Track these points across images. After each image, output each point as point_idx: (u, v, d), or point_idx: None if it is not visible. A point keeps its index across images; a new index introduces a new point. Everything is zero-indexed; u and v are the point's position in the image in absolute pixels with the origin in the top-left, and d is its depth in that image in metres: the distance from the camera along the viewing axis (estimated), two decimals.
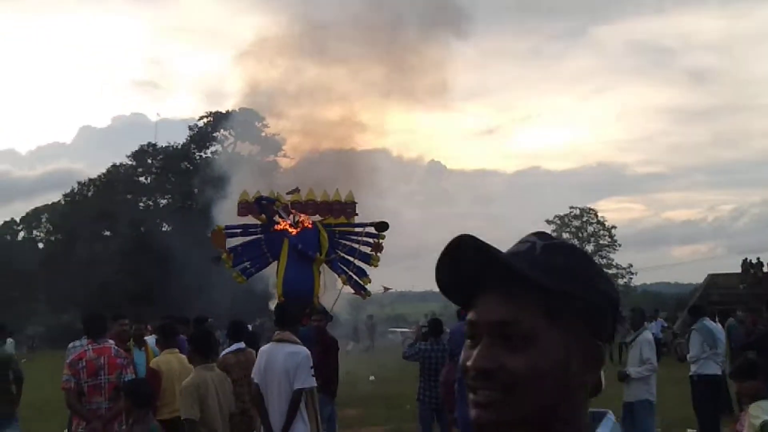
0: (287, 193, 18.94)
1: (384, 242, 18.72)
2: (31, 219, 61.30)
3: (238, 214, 18.97)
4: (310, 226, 18.19)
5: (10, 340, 14.82)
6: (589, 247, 59.34)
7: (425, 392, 10.19)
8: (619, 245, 59.04)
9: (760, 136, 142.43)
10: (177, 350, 8.19)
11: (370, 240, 18.73)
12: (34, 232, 61.74)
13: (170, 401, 7.63)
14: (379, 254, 18.70)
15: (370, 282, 18.84)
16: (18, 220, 62.25)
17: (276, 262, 18.38)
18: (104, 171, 54.33)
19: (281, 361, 7.22)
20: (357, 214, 18.91)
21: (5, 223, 62.46)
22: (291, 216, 18.44)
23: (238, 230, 19.03)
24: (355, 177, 22.75)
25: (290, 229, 18.26)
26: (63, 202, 56.40)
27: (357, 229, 18.89)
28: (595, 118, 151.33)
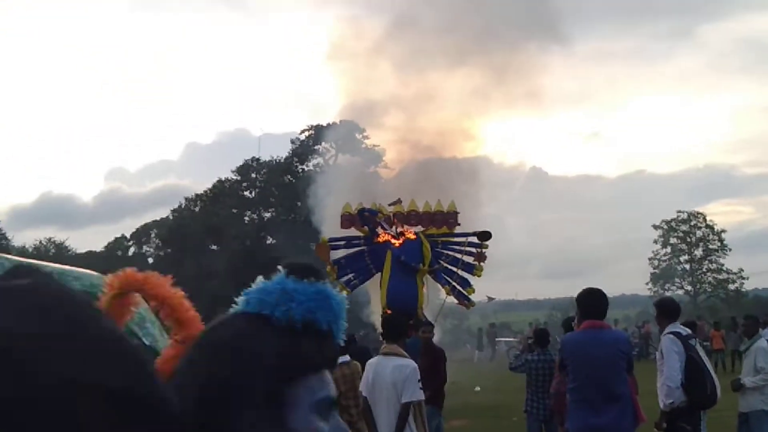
0: (389, 205, 19.01)
1: (487, 251, 18.62)
2: (141, 234, 63.11)
3: (342, 227, 19.14)
4: (413, 237, 18.22)
5: None
6: (698, 252, 57.82)
7: (533, 404, 10.07)
8: (729, 249, 57.25)
9: None
10: None
11: (473, 250, 18.61)
12: (144, 247, 63.54)
13: None
14: (482, 264, 18.56)
15: (474, 292, 18.73)
16: (128, 235, 64.20)
17: (379, 273, 18.46)
18: (210, 186, 55.60)
19: (389, 374, 7.26)
20: (459, 224, 18.84)
21: (116, 239, 64.48)
22: (393, 227, 18.51)
23: (342, 242, 19.21)
24: (456, 185, 22.70)
25: (393, 241, 18.33)
26: (171, 218, 57.96)
27: (460, 239, 18.81)
28: (701, 119, 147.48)
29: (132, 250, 63.47)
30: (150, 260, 62.27)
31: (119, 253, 63.09)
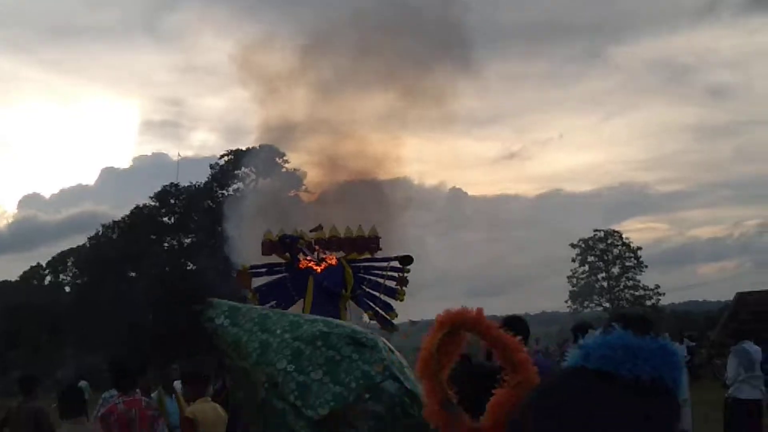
0: (310, 231, 18.93)
1: (409, 273, 18.69)
2: (57, 263, 61.76)
3: (262, 254, 18.96)
4: (334, 263, 18.19)
5: (84, 383, 14.37)
6: (615, 270, 59.05)
7: None
8: (645, 266, 58.70)
9: None
10: (209, 398, 8.08)
11: (395, 274, 18.64)
12: (61, 275, 62.20)
13: None
14: (404, 288, 18.60)
15: (396, 316, 18.71)
16: (44, 264, 62.77)
17: (302, 300, 18.36)
18: (128, 213, 54.81)
19: None
20: (381, 249, 18.84)
21: (32, 267, 62.96)
22: (315, 253, 18.45)
23: (263, 269, 19.02)
24: (376, 207, 22.68)
25: (315, 267, 18.27)
26: (88, 245, 56.88)
27: (381, 264, 18.84)
28: (614, 139, 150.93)
29: (48, 278, 62.08)
30: (67, 289, 61.01)
31: (35, 282, 61.68)
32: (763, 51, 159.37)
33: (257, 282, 18.81)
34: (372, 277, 18.77)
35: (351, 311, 18.61)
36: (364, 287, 18.60)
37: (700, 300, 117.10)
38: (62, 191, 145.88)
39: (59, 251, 62.64)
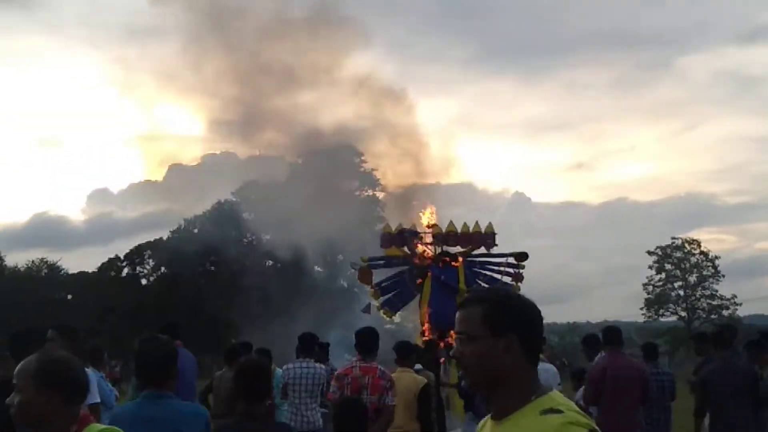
0: (428, 227, 19.20)
1: (524, 270, 18.93)
2: (135, 256, 62.78)
3: (381, 246, 19.34)
4: (457, 265, 18.43)
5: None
6: (692, 278, 58.30)
7: None
8: (723, 276, 57.83)
9: None
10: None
11: (511, 270, 18.87)
12: (137, 268, 63.23)
13: None
14: (519, 284, 18.82)
15: None
16: (122, 256, 63.86)
17: (419, 294, 18.66)
18: (209, 207, 55.65)
19: None
20: (496, 245, 19.07)
21: (110, 260, 64.04)
22: (434, 248, 18.74)
23: (381, 262, 19.41)
24: (444, 209, 22.72)
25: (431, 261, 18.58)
26: (167, 239, 57.94)
27: (498, 260, 19.05)
28: (681, 149, 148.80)
29: (126, 271, 63.16)
30: (143, 281, 62.14)
31: (113, 273, 62.82)
32: None
33: (377, 278, 19.22)
34: (488, 273, 19.02)
35: None
36: (480, 282, 18.83)
37: (766, 314, 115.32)
38: (131, 186, 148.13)
39: (135, 245, 63.76)
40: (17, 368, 3.07)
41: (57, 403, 2.98)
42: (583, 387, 8.86)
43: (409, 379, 8.43)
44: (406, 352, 8.91)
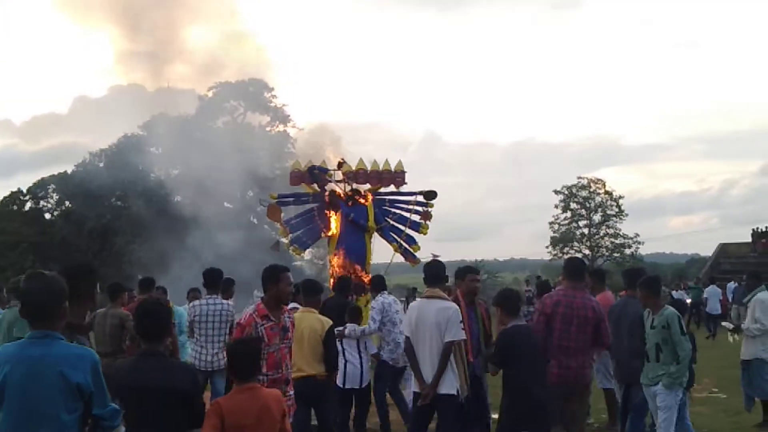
0: (337, 165, 19.12)
1: (433, 208, 19.11)
2: (38, 189, 61.05)
3: (290, 183, 19.27)
4: (367, 203, 18.44)
5: None
6: (597, 217, 59.62)
7: None
8: (626, 215, 59.31)
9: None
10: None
11: (420, 208, 19.03)
12: (41, 202, 61.55)
13: None
14: (428, 223, 19.01)
15: (419, 249, 19.09)
16: (24, 190, 61.98)
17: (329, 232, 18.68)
18: (114, 141, 54.34)
19: (433, 315, 7.77)
20: (406, 183, 19.16)
21: (12, 193, 62.08)
22: (344, 185, 18.72)
23: (291, 199, 19.35)
24: (357, 148, 22.69)
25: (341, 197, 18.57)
26: (72, 172, 56.44)
27: (407, 198, 19.17)
28: (591, 89, 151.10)
29: (29, 205, 61.39)
30: (47, 216, 60.58)
31: (15, 207, 61.02)
32: None
33: (286, 215, 19.16)
34: (397, 211, 19.15)
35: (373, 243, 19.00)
36: (389, 220, 18.96)
37: (667, 252, 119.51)
38: (34, 118, 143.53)
39: (39, 178, 61.95)
40: None
41: None
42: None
43: (313, 320, 8.36)
44: (312, 291, 8.84)
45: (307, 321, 8.26)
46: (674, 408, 7.90)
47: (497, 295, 8.33)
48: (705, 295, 28.62)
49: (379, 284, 12.04)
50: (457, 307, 7.96)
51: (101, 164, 53.98)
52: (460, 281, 8.99)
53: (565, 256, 58.98)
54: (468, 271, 9.13)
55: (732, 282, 30.15)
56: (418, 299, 8.61)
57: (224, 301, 10.37)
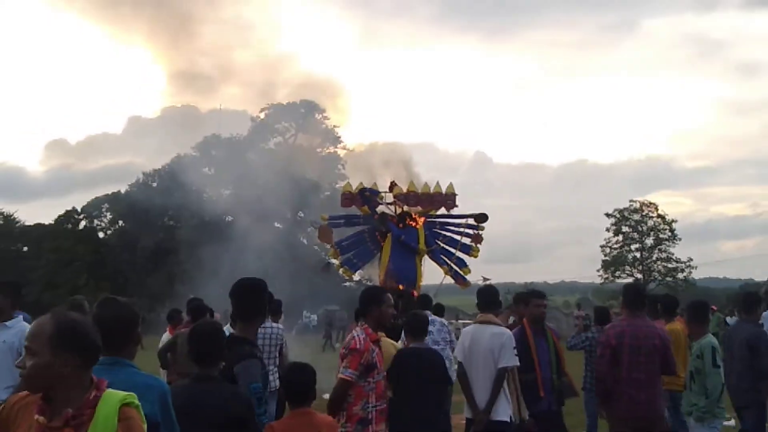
0: (389, 188, 19.12)
1: (484, 231, 19.04)
2: (92, 208, 62.11)
3: (342, 205, 19.31)
4: (418, 226, 18.42)
5: None
6: (649, 241, 58.97)
7: (592, 380, 10.00)
8: (679, 239, 58.63)
9: None
10: None
11: (470, 231, 18.98)
12: (95, 221, 62.58)
13: None
14: (479, 245, 18.95)
15: (470, 272, 19.05)
16: (79, 209, 63.10)
17: (379, 254, 18.69)
18: (168, 161, 55.10)
19: (487, 340, 7.69)
20: (457, 206, 19.14)
21: (67, 212, 63.24)
22: (395, 207, 18.73)
23: (341, 221, 19.40)
24: (409, 169, 22.63)
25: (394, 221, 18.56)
26: (125, 192, 57.34)
27: (458, 221, 19.14)
28: (642, 111, 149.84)
29: (83, 224, 62.50)
30: (101, 234, 61.55)
31: (69, 226, 62.12)
32: None
33: (337, 236, 19.20)
34: (448, 234, 19.12)
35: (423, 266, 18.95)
36: (439, 243, 18.93)
37: (721, 277, 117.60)
38: (89, 138, 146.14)
39: (93, 197, 63.02)
40: (30, 330, 2.98)
41: (74, 366, 2.91)
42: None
43: (387, 345, 7.97)
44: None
45: (385, 346, 8.16)
46: None
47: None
48: (761, 321, 28.11)
49: (423, 304, 11.81)
50: (511, 333, 7.84)
51: (154, 184, 54.77)
52: (523, 306, 8.51)
53: (617, 280, 58.49)
54: (532, 296, 8.58)
55: None
56: (471, 324, 8.46)
57: (274, 324, 10.38)
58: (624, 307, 8.07)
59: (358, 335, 6.31)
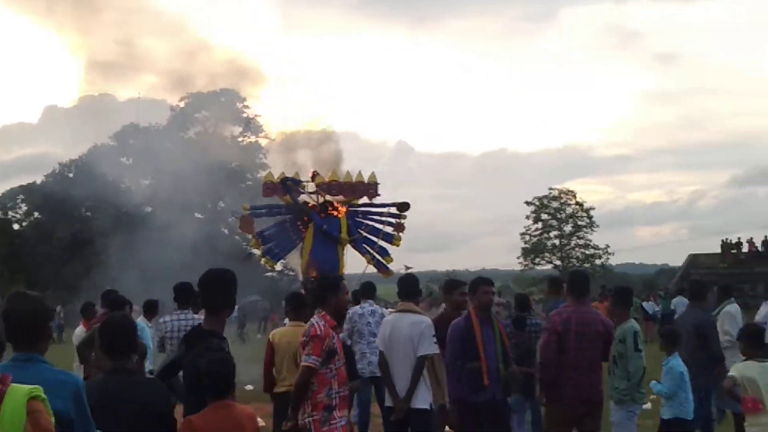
0: (311, 177, 19.03)
1: (406, 219, 19.11)
2: (7, 199, 60.59)
3: (263, 195, 19.20)
4: (340, 215, 18.37)
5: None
6: (568, 228, 60.00)
7: None
8: (597, 226, 59.82)
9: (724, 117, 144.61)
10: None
11: (392, 220, 19.03)
12: (10, 213, 61.05)
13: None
14: (401, 234, 19.02)
15: (392, 261, 19.12)
16: None
17: (301, 243, 18.62)
18: (85, 151, 53.92)
19: (406, 329, 7.72)
20: (379, 195, 19.17)
21: None
22: (317, 197, 18.66)
23: (263, 210, 19.27)
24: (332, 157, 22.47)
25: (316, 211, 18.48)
26: (41, 183, 56.00)
27: (380, 210, 19.17)
28: (561, 101, 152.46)
29: None
30: (16, 226, 60.07)
31: None
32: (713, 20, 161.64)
33: (259, 227, 19.05)
34: (370, 223, 19.13)
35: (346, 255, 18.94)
36: (362, 232, 18.93)
37: (637, 263, 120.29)
38: (4, 128, 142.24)
39: (8, 188, 61.46)
40: None
41: None
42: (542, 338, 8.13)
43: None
44: (299, 305, 8.65)
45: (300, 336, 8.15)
46: (627, 425, 7.86)
47: None
48: (672, 306, 28.97)
49: (366, 292, 11.66)
50: (431, 322, 7.88)
51: (71, 175, 53.60)
52: (472, 294, 8.21)
53: (537, 267, 59.43)
54: (481, 283, 8.11)
55: None
56: (391, 314, 8.47)
57: (195, 316, 10.22)
58: (569, 293, 8.14)
59: (317, 322, 6.27)
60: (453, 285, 8.79)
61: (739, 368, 6.95)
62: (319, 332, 6.19)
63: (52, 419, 3.17)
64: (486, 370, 7.64)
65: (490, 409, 7.68)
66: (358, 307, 11.13)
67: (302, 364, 6.18)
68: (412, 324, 7.71)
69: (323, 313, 6.41)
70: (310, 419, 6.09)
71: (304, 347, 6.20)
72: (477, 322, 7.77)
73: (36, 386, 3.11)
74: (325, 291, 6.55)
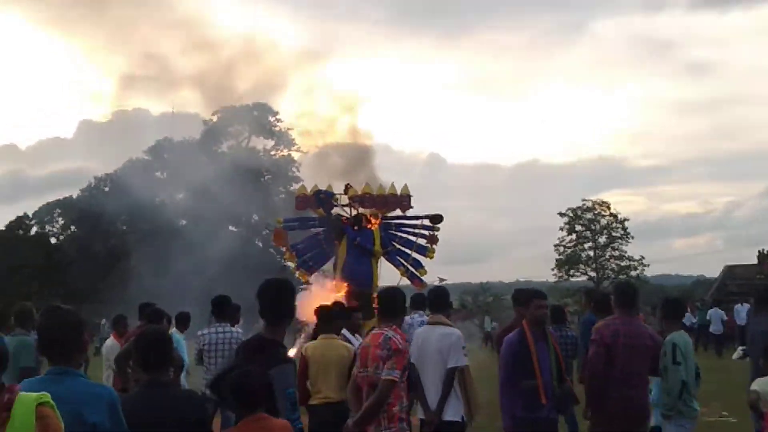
0: (344, 191, 19.04)
1: (439, 231, 19.05)
2: (44, 214, 61.30)
3: (296, 208, 19.23)
4: (373, 228, 18.36)
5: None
6: (602, 240, 59.53)
7: None
8: (632, 237, 59.30)
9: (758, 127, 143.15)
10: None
11: (426, 232, 18.97)
12: (47, 227, 61.74)
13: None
14: (434, 246, 18.95)
15: (426, 273, 19.02)
16: (30, 215, 62.18)
17: (335, 256, 18.62)
18: (120, 165, 54.52)
19: (435, 342, 7.69)
20: (412, 207, 19.12)
21: (18, 218, 62.27)
22: (350, 209, 18.67)
23: (296, 223, 19.30)
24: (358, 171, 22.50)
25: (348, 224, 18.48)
26: (77, 197, 56.62)
27: (413, 222, 19.11)
28: (595, 112, 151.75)
29: (34, 229, 61.60)
30: (53, 240, 60.76)
31: (20, 232, 61.20)
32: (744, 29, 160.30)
33: (292, 240, 19.08)
34: (403, 235, 19.07)
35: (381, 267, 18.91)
36: (395, 244, 18.87)
37: (672, 274, 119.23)
38: (39, 143, 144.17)
39: (45, 203, 62.19)
40: None
41: None
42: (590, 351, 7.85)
43: (338, 347, 8.27)
44: (330, 318, 8.67)
45: (334, 348, 8.20)
46: None
47: None
48: (708, 317, 29.58)
49: (415, 303, 11.85)
50: (460, 334, 7.84)
51: (106, 188, 54.20)
52: (523, 309, 7.95)
53: (571, 279, 59.01)
54: (533, 296, 7.87)
55: (739, 304, 30.27)
56: (423, 326, 8.47)
57: (233, 329, 10.27)
58: (617, 306, 7.95)
59: (394, 336, 6.33)
60: (529, 295, 8.21)
61: (761, 383, 6.89)
62: (400, 346, 6.27)
63: (62, 425, 3.23)
64: (543, 387, 7.51)
65: (547, 427, 7.64)
66: (408, 317, 11.13)
67: (384, 378, 6.20)
68: (442, 336, 7.69)
69: (394, 326, 6.47)
70: None
71: (385, 361, 6.23)
72: (531, 338, 7.62)
73: (44, 393, 3.20)
74: (400, 308, 6.75)
